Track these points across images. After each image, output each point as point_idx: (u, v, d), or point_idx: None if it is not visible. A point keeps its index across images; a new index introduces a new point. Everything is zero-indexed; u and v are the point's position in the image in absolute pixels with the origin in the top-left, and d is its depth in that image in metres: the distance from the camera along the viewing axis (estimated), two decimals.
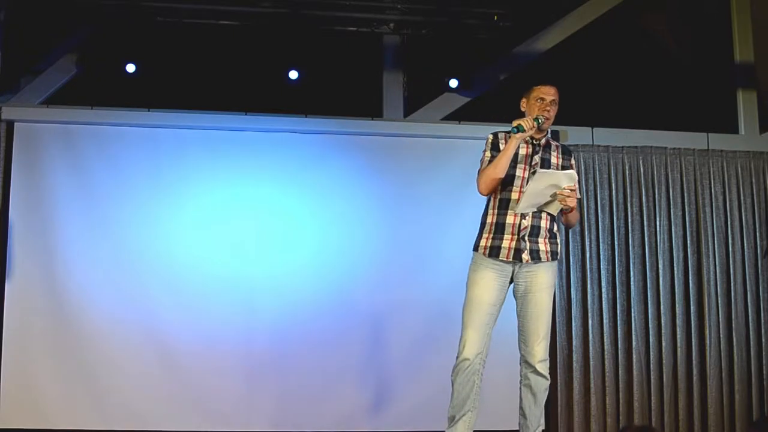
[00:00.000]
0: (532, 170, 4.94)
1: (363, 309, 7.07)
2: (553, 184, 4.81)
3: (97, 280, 6.83)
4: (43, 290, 6.77)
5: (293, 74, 7.22)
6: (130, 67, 7.08)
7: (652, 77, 7.68)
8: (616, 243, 7.30)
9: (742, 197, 7.52)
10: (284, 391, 6.91)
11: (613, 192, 7.37)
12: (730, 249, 7.43)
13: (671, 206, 7.41)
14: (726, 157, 7.58)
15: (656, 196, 7.40)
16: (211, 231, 7.02)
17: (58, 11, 7.06)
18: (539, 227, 4.94)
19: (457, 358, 4.99)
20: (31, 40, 7.28)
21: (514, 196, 4.92)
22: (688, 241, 7.39)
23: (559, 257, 5.07)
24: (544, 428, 6.90)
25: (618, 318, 7.20)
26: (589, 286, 7.21)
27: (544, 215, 4.95)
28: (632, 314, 7.22)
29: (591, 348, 7.15)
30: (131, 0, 6.97)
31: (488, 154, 5.05)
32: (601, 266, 7.25)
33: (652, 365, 7.20)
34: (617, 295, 7.22)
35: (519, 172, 4.95)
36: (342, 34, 7.41)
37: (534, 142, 5.04)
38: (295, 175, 7.12)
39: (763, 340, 7.36)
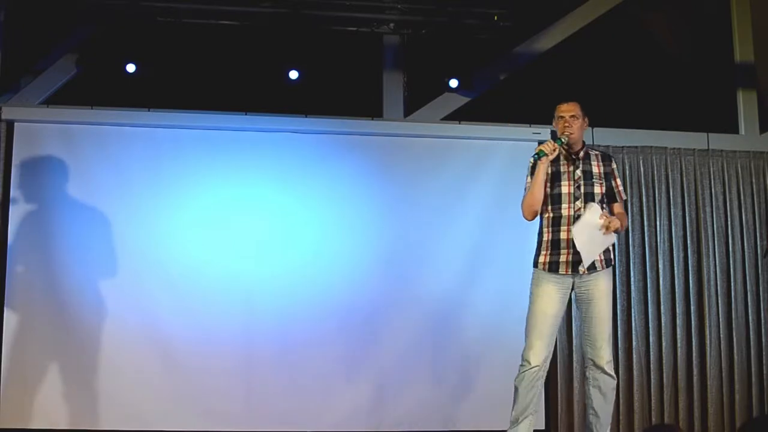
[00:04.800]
0: (576, 184, 5.26)
1: (363, 309, 7.06)
2: (592, 226, 5.18)
3: (96, 279, 6.82)
4: (43, 290, 6.76)
5: (293, 74, 7.20)
6: (130, 67, 7.07)
7: (652, 77, 7.68)
8: (616, 243, 7.29)
9: (742, 197, 7.52)
10: (284, 391, 6.91)
11: None
12: (731, 249, 7.43)
13: (671, 206, 7.41)
14: (726, 157, 7.58)
15: (656, 196, 7.40)
16: (211, 231, 7.01)
17: (58, 11, 7.04)
18: None
19: (521, 365, 5.27)
20: (31, 40, 7.27)
21: (564, 212, 5.24)
22: (688, 241, 7.39)
23: (613, 263, 5.37)
24: (543, 428, 6.98)
25: (618, 318, 7.19)
26: None
27: None
28: (632, 314, 7.22)
29: None
30: (131, 0, 6.96)
31: (528, 179, 5.40)
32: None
33: (652, 365, 7.20)
34: (617, 295, 7.21)
35: (565, 189, 5.28)
36: (342, 34, 7.40)
37: (573, 157, 5.33)
38: (295, 175, 7.11)
39: (764, 340, 7.36)
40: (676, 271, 7.31)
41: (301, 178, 7.13)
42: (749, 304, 7.37)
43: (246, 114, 7.21)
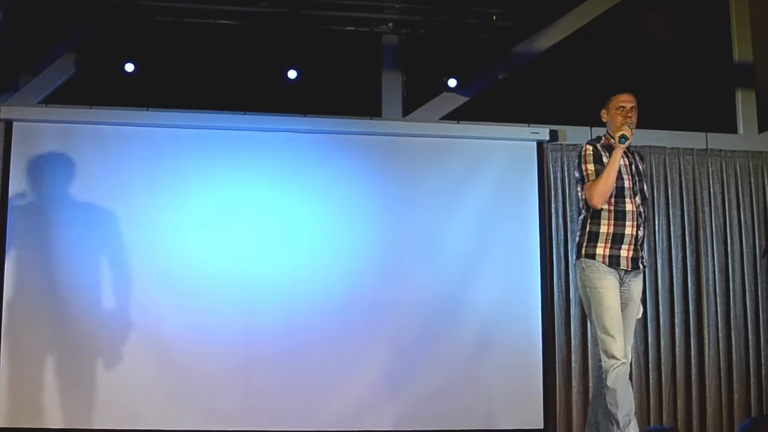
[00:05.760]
0: (633, 179, 5.16)
1: (362, 308, 7.07)
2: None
3: (95, 278, 6.83)
4: (42, 289, 6.76)
5: (292, 74, 7.21)
6: (129, 67, 7.07)
7: (651, 77, 7.67)
8: None
9: (740, 197, 7.52)
10: (283, 391, 6.91)
11: None
12: (729, 248, 7.43)
13: (670, 206, 7.41)
14: (725, 157, 7.58)
15: (655, 195, 7.40)
16: (210, 230, 7.01)
17: (56, 10, 7.04)
18: (643, 237, 5.21)
19: (610, 363, 5.05)
20: (30, 40, 7.27)
21: (628, 207, 5.12)
22: (687, 241, 7.39)
23: None
24: (542, 428, 6.98)
25: None
26: None
27: (642, 225, 5.21)
28: None
29: (590, 348, 7.13)
30: None
31: (591, 167, 5.17)
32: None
33: (650, 365, 7.21)
34: None
35: (626, 184, 5.14)
36: (341, 33, 7.40)
37: (626, 151, 5.22)
38: (294, 175, 7.12)
39: (762, 339, 7.36)
40: (674, 271, 7.31)
41: (299, 178, 7.13)
42: (748, 303, 7.37)
43: (245, 113, 7.21)
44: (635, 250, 5.14)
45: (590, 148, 5.22)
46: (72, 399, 6.67)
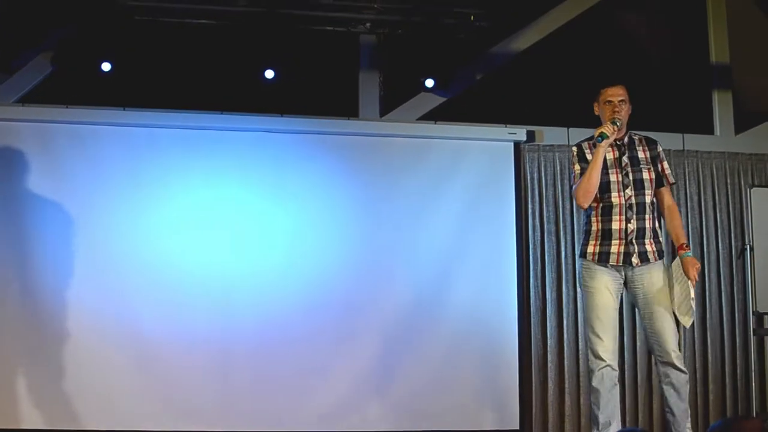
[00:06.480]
0: (624, 171, 5.14)
1: (340, 307, 7.06)
2: (683, 282, 5.10)
3: (73, 279, 6.79)
4: (19, 288, 6.73)
5: (269, 73, 7.21)
6: (106, 66, 7.06)
7: (628, 77, 7.66)
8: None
9: (717, 198, 7.53)
10: (262, 390, 6.90)
11: None
12: (705, 249, 7.43)
13: None
14: (701, 158, 7.60)
15: None
16: (187, 229, 6.99)
17: (33, 9, 7.01)
18: (644, 229, 5.12)
19: (596, 364, 5.08)
20: (6, 39, 7.22)
21: (615, 201, 5.10)
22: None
23: (663, 255, 5.23)
24: (518, 428, 6.98)
25: None
26: (564, 286, 7.22)
27: (647, 216, 5.14)
28: None
29: (566, 348, 7.16)
30: None
31: (578, 167, 5.23)
32: (576, 266, 7.25)
33: (626, 365, 7.19)
34: None
35: (613, 177, 5.14)
36: (318, 33, 7.38)
37: (617, 143, 5.20)
38: (271, 175, 7.10)
39: (738, 340, 7.37)
40: None
41: (276, 177, 7.12)
42: (723, 304, 7.38)
43: (222, 113, 7.19)
44: (628, 244, 5.09)
45: (575, 149, 5.29)
46: (48, 399, 6.63)
